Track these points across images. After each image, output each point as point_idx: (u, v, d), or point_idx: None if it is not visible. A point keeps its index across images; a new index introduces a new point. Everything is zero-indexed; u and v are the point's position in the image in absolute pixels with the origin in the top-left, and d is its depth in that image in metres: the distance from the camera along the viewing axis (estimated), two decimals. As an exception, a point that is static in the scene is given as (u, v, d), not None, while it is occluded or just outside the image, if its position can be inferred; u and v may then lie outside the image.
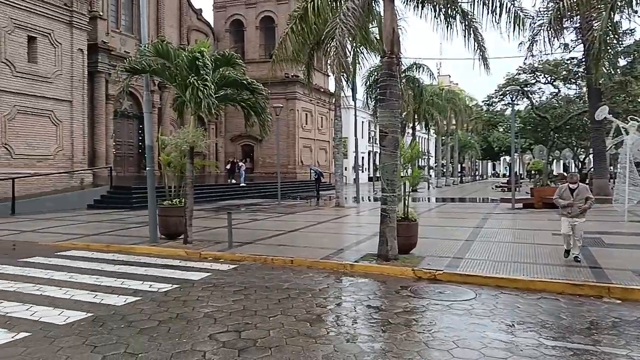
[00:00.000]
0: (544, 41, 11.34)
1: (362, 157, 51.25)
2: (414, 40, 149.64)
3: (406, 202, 9.53)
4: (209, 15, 39.29)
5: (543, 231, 12.42)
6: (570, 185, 8.48)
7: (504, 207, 20.21)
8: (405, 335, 5.18)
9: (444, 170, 50.50)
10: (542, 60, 31.98)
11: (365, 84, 28.00)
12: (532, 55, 14.25)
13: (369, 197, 29.76)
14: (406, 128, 35.01)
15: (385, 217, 8.71)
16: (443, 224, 15.12)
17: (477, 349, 4.75)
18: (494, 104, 42.37)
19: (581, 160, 49.44)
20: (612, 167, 34.24)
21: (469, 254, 9.34)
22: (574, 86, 36.35)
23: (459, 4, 9.77)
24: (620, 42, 25.07)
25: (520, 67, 35.36)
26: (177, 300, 6.50)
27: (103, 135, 25.66)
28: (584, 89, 32.69)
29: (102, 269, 8.49)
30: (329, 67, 10.75)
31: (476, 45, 10.01)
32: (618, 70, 27.46)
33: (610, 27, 12.19)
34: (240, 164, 30.58)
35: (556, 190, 8.96)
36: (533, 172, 37.38)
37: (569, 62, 32.71)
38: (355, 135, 25.64)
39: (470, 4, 9.61)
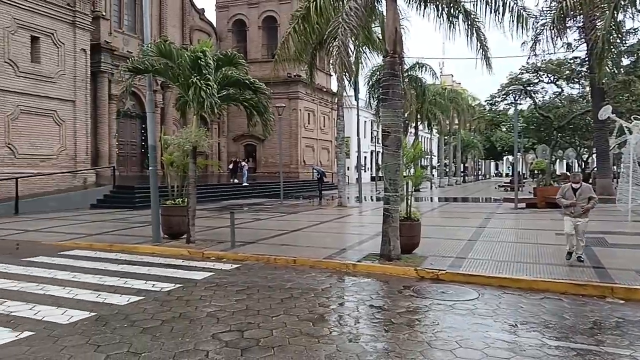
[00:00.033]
0: (547, 40, 11.30)
1: (365, 157, 51.25)
2: (416, 40, 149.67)
3: (409, 201, 9.52)
4: (211, 15, 39.38)
5: (546, 231, 12.40)
6: (573, 185, 8.46)
7: (506, 207, 20.18)
8: (408, 335, 5.18)
9: (447, 170, 50.45)
10: (545, 60, 31.90)
11: (368, 84, 28.03)
12: (535, 55, 14.18)
13: (371, 196, 29.73)
14: (409, 128, 35.03)
15: (387, 217, 8.70)
16: (446, 223, 15.10)
17: (480, 349, 4.75)
18: (496, 104, 42.32)
19: (584, 159, 49.33)
20: (615, 167, 34.17)
21: (471, 254, 9.33)
22: (577, 85, 36.28)
23: (462, 3, 9.75)
24: (623, 42, 25.02)
25: (523, 66, 35.33)
26: (180, 300, 6.51)
27: (106, 135, 25.72)
28: (587, 89, 32.63)
29: (105, 269, 8.51)
30: (331, 66, 10.76)
31: (479, 44, 9.98)
32: (621, 69, 27.41)
33: (613, 27, 12.16)
34: (243, 163, 30.62)
35: (559, 190, 8.95)
36: (536, 171, 37.36)
37: (572, 61, 32.64)
38: (358, 135, 25.64)
39: (473, 4, 9.60)
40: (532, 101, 37.91)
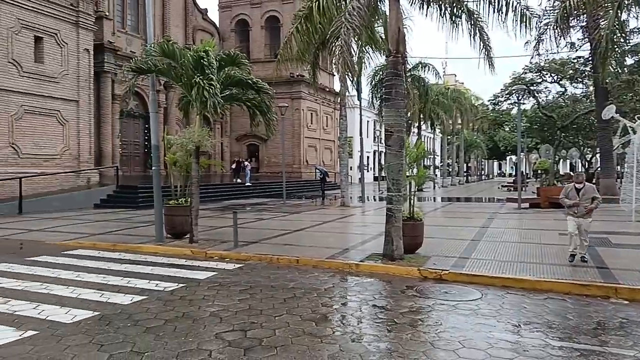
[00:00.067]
0: (551, 40, 11.30)
1: (368, 157, 51.16)
2: (419, 40, 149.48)
3: (412, 201, 9.51)
4: (214, 15, 39.44)
5: (549, 231, 12.36)
6: (577, 185, 8.44)
7: (510, 207, 20.13)
8: (411, 335, 5.17)
9: (450, 169, 50.34)
10: (548, 59, 31.78)
11: (371, 84, 28.00)
12: (539, 54, 14.18)
13: (374, 196, 29.71)
14: (412, 127, 34.95)
15: (390, 217, 8.69)
16: (449, 223, 15.07)
17: (483, 349, 4.74)
18: (500, 103, 42.18)
19: (588, 159, 49.13)
20: (619, 167, 34.01)
21: (475, 254, 9.31)
22: (580, 85, 36.13)
23: (465, 3, 9.73)
24: (627, 41, 24.88)
25: (527, 66, 35.15)
26: (183, 299, 6.52)
27: (109, 134, 25.78)
28: (591, 88, 32.47)
29: (108, 268, 8.53)
30: (334, 66, 10.75)
31: (482, 44, 9.97)
32: (625, 69, 27.29)
33: (617, 26, 12.10)
34: (246, 163, 30.67)
35: (562, 190, 8.92)
36: (539, 171, 37.24)
37: (575, 61, 32.50)
38: (361, 135, 25.68)
39: (476, 3, 9.59)
40: (535, 101, 37.78)
